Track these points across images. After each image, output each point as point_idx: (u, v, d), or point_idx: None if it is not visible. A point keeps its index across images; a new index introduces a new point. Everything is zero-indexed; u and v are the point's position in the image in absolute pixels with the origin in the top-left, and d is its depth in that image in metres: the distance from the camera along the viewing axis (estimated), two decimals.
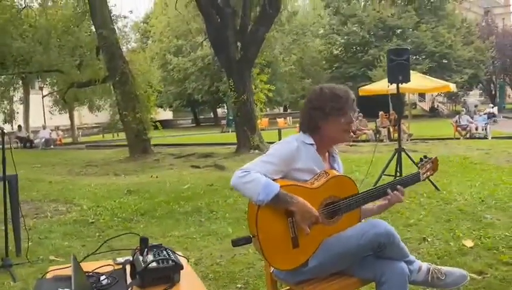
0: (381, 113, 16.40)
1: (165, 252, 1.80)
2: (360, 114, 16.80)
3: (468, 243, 3.44)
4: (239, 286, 2.89)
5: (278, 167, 1.85)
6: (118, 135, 23.67)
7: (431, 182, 5.43)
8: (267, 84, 14.39)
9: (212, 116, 42.92)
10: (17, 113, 23.14)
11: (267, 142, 13.33)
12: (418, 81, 13.08)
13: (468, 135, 15.19)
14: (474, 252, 3.25)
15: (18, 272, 3.24)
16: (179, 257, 1.86)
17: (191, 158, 11.44)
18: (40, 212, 5.36)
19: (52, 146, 21.18)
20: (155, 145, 13.80)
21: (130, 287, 1.65)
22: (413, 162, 5.67)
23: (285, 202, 1.76)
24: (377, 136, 16.61)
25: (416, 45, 29.41)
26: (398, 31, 32.13)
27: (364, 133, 16.21)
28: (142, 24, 41.79)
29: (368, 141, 15.66)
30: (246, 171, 1.78)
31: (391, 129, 16.25)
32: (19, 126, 22.48)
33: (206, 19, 12.13)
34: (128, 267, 1.79)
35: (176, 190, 6.35)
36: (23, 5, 17.12)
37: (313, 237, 1.83)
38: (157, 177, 8.13)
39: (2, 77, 19.90)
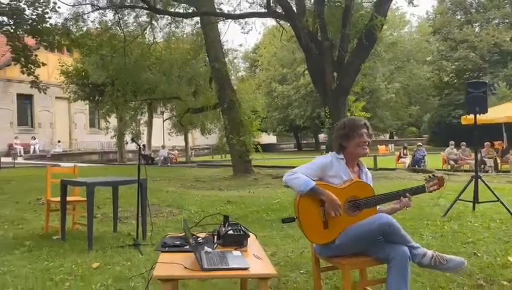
0: (487, 143, 15.71)
1: (239, 227, 2.74)
2: (463, 143, 16.30)
3: None
4: (302, 271, 3.69)
5: (315, 172, 2.69)
6: (225, 156, 25.70)
7: (506, 208, 5.63)
8: (363, 112, 14.83)
9: (314, 141, 43.77)
10: (143, 134, 26.60)
11: None
12: None
13: None
14: None
15: (144, 250, 4.44)
16: (249, 232, 2.77)
17: None
18: (158, 213, 6.72)
19: (169, 164, 23.88)
20: (256, 166, 15.05)
21: (215, 245, 2.60)
22: (490, 189, 5.95)
23: (318, 193, 2.60)
24: (482, 166, 15.91)
25: None
26: None
27: (467, 163, 15.65)
28: (251, 54, 44.71)
29: (470, 171, 15.09)
30: (293, 172, 2.67)
31: (498, 160, 15.48)
32: (143, 145, 25.78)
33: (306, 52, 13.21)
34: (215, 235, 2.75)
35: (267, 203, 7.33)
36: (152, 41, 20.00)
37: (340, 223, 2.62)
38: (253, 193, 9.24)
39: (133, 103, 23.21)
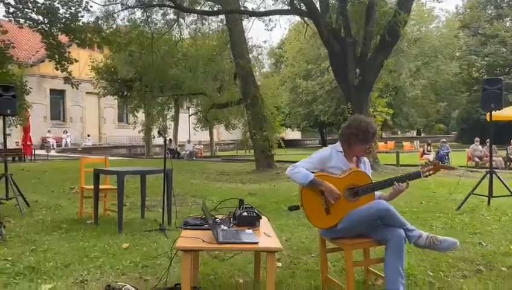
0: None
1: (253, 210, 3.05)
2: (489, 140, 16.11)
3: None
4: (313, 255, 3.98)
5: (315, 165, 2.98)
6: (249, 152, 26.10)
7: None
8: (386, 108, 14.88)
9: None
10: (169, 128, 27.28)
11: (384, 164, 13.88)
12: None
13: None
14: None
15: (169, 234, 4.81)
16: (262, 215, 3.09)
17: None
18: (183, 202, 7.11)
19: (194, 158, 24.46)
20: (278, 161, 15.33)
21: (231, 224, 2.92)
22: (504, 184, 6.06)
23: (317, 185, 2.89)
24: (508, 164, 15.73)
25: None
26: None
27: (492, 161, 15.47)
28: (277, 50, 44.81)
29: (496, 168, 14.94)
30: (294, 167, 2.96)
31: None
32: (170, 140, 26.43)
33: (328, 48, 13.37)
34: (231, 217, 3.08)
35: (286, 195, 7.62)
36: (179, 38, 20.46)
37: (341, 209, 2.89)
38: (274, 186, 9.55)
39: (160, 98, 23.83)
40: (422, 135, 54.17)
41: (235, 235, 2.63)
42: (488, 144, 16.02)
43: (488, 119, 6.34)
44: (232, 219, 3.01)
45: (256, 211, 3.04)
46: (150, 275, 3.44)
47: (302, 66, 34.47)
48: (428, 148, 17.53)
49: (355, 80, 12.96)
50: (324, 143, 43.72)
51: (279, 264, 3.73)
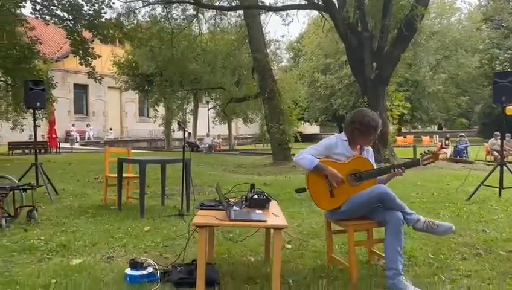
0: None
1: (263, 194, 3.31)
2: (508, 134, 15.98)
3: None
4: (321, 239, 4.21)
5: (321, 152, 3.22)
6: (267, 145, 26.32)
7: None
8: (403, 102, 14.89)
9: None
10: (188, 122, 27.74)
11: (401, 158, 13.94)
12: None
13: None
14: None
15: (187, 219, 5.12)
16: (271, 198, 3.35)
17: None
18: (201, 192, 7.43)
19: (213, 151, 24.86)
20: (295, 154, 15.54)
21: (243, 205, 3.19)
22: None
23: (321, 169, 3.13)
24: None
25: None
26: None
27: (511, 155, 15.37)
28: (295, 44, 44.77)
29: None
30: (301, 153, 3.21)
31: None
32: (189, 133, 26.88)
33: (345, 42, 13.48)
34: (243, 200, 3.35)
35: (300, 186, 7.81)
36: (198, 33, 20.76)
37: (344, 192, 3.13)
38: (290, 177, 9.80)
39: (179, 92, 24.27)
40: (444, 129, 53.34)
41: (246, 214, 2.90)
42: (507, 138, 15.98)
43: (502, 112, 6.43)
44: (244, 201, 3.28)
45: (266, 195, 3.30)
46: (170, 253, 3.75)
47: (321, 60, 34.42)
48: (447, 142, 17.47)
49: (372, 74, 13.03)
50: None
51: (289, 246, 3.99)
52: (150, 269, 3.10)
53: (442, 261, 3.47)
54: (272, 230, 3.05)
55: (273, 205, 3.30)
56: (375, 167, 3.25)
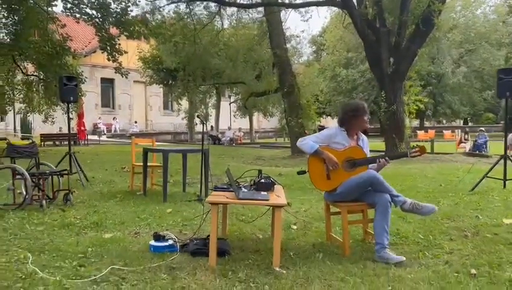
0: None
1: (270, 178, 3.78)
2: None
3: (507, 221, 4.47)
4: (325, 222, 4.65)
5: (322, 140, 3.66)
6: (288, 139, 26.76)
7: None
8: (420, 96, 15.04)
9: (380, 126, 43.18)
10: (210, 116, 28.39)
11: None
12: None
13: None
14: (506, 226, 4.31)
15: (205, 203, 5.63)
16: (276, 183, 3.81)
17: None
18: (219, 180, 7.88)
19: (234, 144, 25.44)
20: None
21: (251, 188, 3.66)
22: None
23: (320, 154, 3.57)
24: None
25: None
26: None
27: None
28: (318, 38, 44.75)
29: None
30: (304, 139, 3.66)
31: None
32: (211, 126, 27.54)
33: (362, 38, 13.72)
34: (252, 184, 3.82)
35: None
36: (220, 29, 21.22)
37: (340, 176, 3.56)
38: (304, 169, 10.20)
39: (202, 86, 24.89)
40: (470, 124, 52.40)
41: (252, 194, 3.38)
42: None
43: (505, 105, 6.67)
44: (252, 185, 3.75)
45: (272, 179, 3.77)
46: (188, 230, 4.26)
47: (343, 54, 34.43)
48: (466, 136, 17.49)
49: (389, 69, 13.25)
50: (365, 132, 43.43)
51: (295, 227, 4.45)
52: (170, 241, 3.61)
53: (430, 241, 3.86)
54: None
55: (278, 188, 3.76)
56: (368, 156, 3.67)
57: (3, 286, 2.72)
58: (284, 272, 3.07)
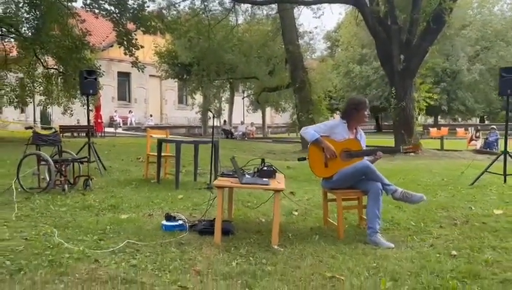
0: None
1: (272, 167, 4.11)
2: None
3: (498, 211, 4.72)
4: None
5: (324, 130, 3.98)
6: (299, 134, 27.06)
7: None
8: (431, 93, 15.16)
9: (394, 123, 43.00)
10: (224, 110, 28.79)
11: (427, 149, 14.31)
12: None
13: None
14: (495, 216, 4.57)
15: (214, 191, 5.99)
16: (278, 171, 4.15)
17: None
18: None
19: (246, 138, 25.81)
20: None
21: (255, 174, 4.01)
22: None
23: (320, 143, 3.90)
24: None
25: None
26: None
27: None
28: (333, 33, 44.72)
29: None
30: (306, 128, 3.99)
31: None
32: (225, 121, 27.94)
33: (374, 35, 13.91)
34: (255, 171, 4.15)
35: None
36: (234, 24, 21.53)
37: (336, 165, 3.88)
38: None
39: (216, 81, 25.28)
40: (486, 122, 51.82)
41: (254, 180, 3.73)
42: None
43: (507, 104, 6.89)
44: (256, 172, 4.09)
45: (274, 167, 4.10)
46: (197, 214, 4.63)
47: (357, 50, 34.44)
48: (477, 134, 17.54)
49: (400, 66, 13.41)
50: (379, 128, 43.43)
51: (296, 213, 4.78)
52: (180, 222, 3.98)
53: (420, 228, 4.16)
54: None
55: (280, 176, 4.09)
56: (364, 149, 3.98)
57: (34, 253, 3.12)
58: (282, 249, 3.41)
